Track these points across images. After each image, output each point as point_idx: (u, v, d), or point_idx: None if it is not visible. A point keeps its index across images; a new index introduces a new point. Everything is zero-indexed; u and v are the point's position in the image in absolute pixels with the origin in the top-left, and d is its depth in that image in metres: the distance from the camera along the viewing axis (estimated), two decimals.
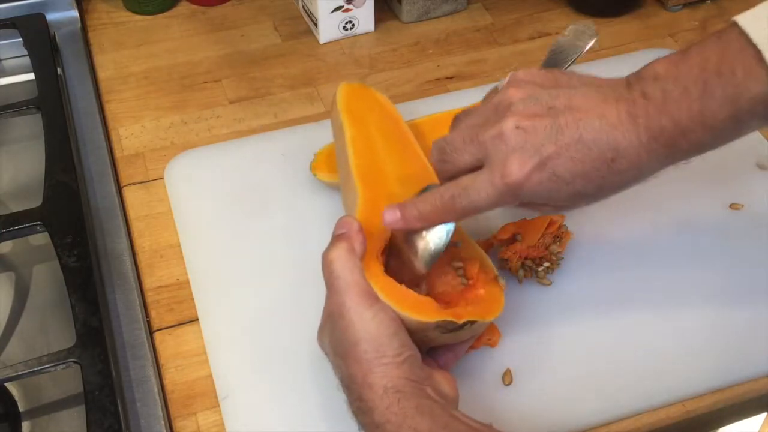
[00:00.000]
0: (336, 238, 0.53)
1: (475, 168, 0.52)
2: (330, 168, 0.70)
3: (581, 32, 0.63)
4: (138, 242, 0.69)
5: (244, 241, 0.68)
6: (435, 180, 0.58)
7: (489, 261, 0.59)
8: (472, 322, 0.53)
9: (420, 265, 0.56)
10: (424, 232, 0.56)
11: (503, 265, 0.64)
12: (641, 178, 0.50)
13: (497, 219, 0.67)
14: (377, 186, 0.60)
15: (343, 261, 0.51)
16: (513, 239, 0.64)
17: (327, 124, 0.74)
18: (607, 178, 0.49)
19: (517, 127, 0.49)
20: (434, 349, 0.56)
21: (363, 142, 0.64)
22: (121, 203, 0.72)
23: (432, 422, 0.47)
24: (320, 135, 0.73)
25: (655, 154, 0.48)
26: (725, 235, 0.68)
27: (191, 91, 0.83)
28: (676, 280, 0.65)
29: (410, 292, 0.53)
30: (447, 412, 0.48)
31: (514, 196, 0.50)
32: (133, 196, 0.73)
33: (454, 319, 0.52)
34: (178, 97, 0.82)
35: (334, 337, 0.51)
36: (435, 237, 0.55)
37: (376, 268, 0.54)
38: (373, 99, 0.69)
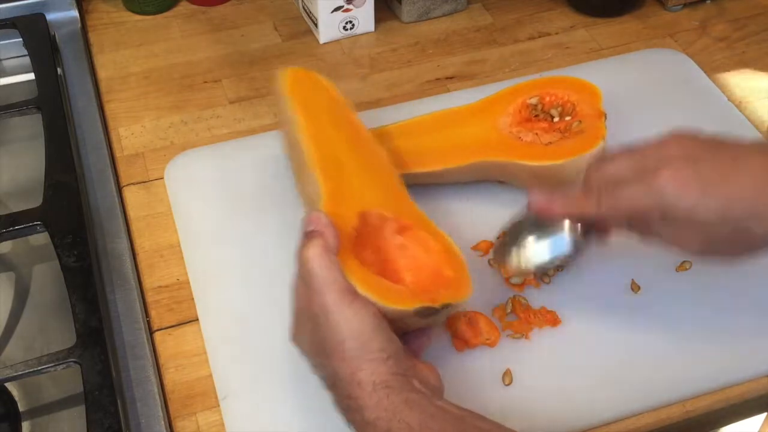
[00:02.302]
0: (308, 235, 0.53)
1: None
2: None
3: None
4: (138, 242, 0.69)
5: (244, 241, 0.68)
6: (390, 166, 0.62)
7: (452, 243, 0.59)
8: (448, 305, 0.54)
9: (525, 267, 0.58)
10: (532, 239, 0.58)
11: None
12: None
13: (499, 218, 0.68)
14: (337, 176, 0.59)
15: (319, 259, 0.51)
16: None
17: None
18: (756, 210, 0.50)
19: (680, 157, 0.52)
20: (407, 334, 0.56)
21: (316, 130, 0.62)
22: (121, 203, 0.72)
23: (421, 414, 0.47)
24: None
25: None
26: None
27: (191, 91, 0.83)
28: (677, 280, 0.65)
29: (386, 282, 0.54)
30: (433, 403, 0.49)
31: (658, 194, 0.51)
32: (133, 196, 0.73)
33: (431, 304, 0.53)
34: (178, 97, 0.82)
35: (317, 337, 0.51)
36: (551, 246, 0.57)
37: (351, 261, 0.53)
38: (318, 84, 0.67)
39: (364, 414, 0.48)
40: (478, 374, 0.60)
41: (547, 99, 0.69)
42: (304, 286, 0.52)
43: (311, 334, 0.51)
